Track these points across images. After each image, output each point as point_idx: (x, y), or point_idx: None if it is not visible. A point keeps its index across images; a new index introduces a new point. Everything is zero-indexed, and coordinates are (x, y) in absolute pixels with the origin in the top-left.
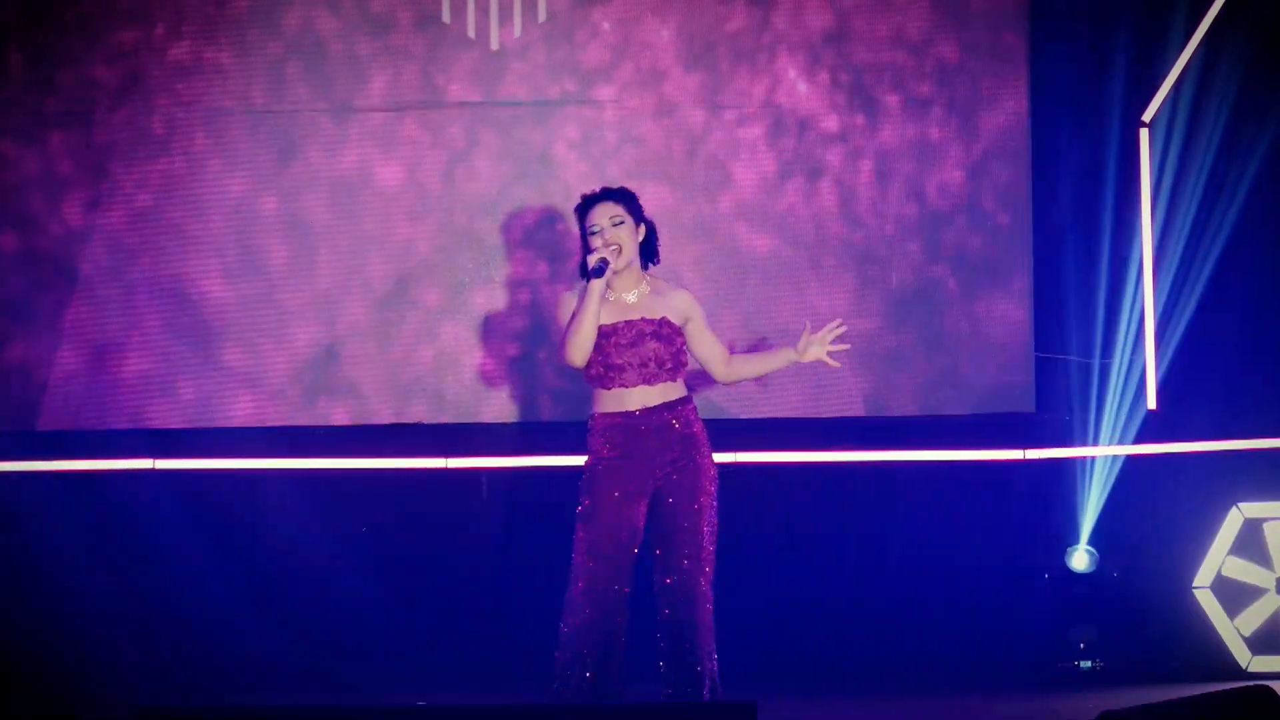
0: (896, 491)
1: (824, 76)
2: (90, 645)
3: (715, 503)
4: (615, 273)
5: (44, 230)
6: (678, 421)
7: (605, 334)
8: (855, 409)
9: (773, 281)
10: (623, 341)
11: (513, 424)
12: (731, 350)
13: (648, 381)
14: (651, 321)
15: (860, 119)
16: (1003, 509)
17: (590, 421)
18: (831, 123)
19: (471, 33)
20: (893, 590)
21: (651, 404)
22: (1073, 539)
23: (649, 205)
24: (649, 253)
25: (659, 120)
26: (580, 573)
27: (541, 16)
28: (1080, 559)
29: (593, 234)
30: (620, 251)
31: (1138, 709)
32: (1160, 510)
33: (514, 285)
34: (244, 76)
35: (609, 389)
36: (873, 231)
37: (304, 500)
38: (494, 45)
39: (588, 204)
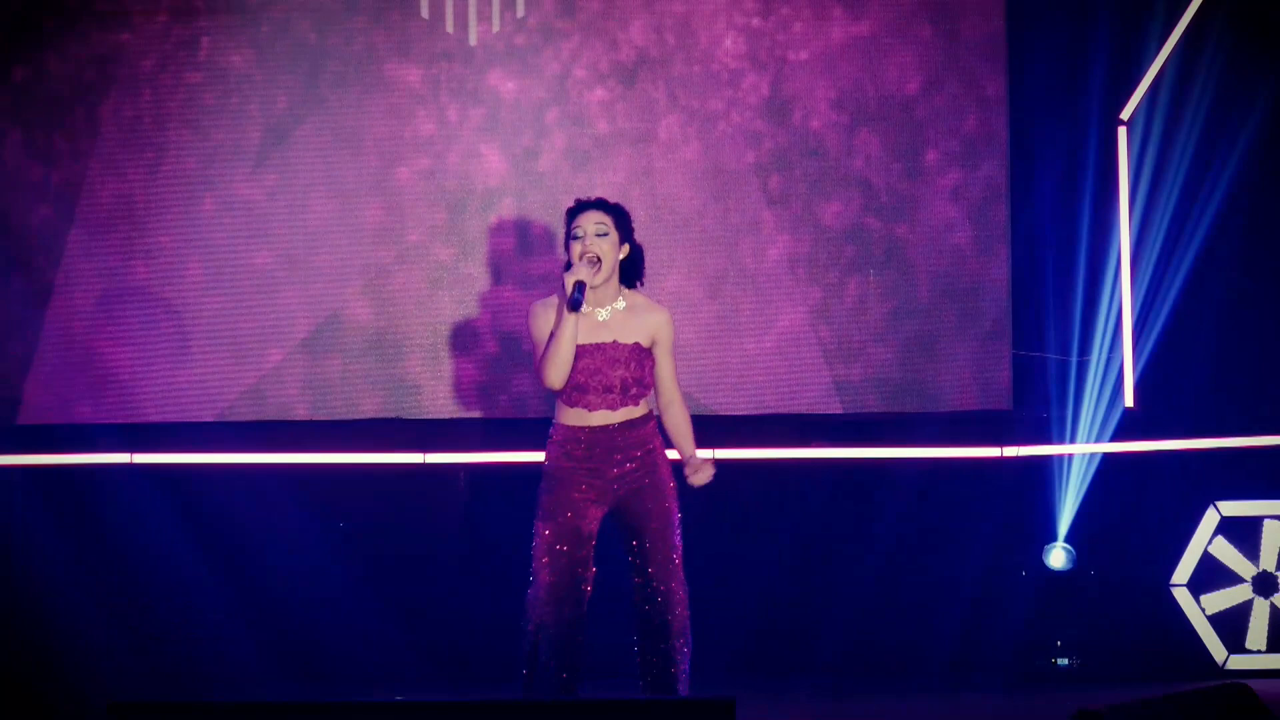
0: (874, 489)
1: (807, 70)
2: (66, 640)
3: (678, 513)
4: (593, 288)
5: (21, 224)
6: (637, 441)
7: (575, 354)
8: (832, 406)
9: (748, 280)
10: (591, 365)
11: (492, 420)
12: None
13: (610, 406)
14: (622, 347)
15: (838, 114)
16: (980, 507)
17: (551, 430)
18: (813, 120)
19: (450, 27)
20: (870, 588)
21: (613, 423)
22: (1050, 537)
23: (634, 196)
24: (632, 273)
25: (644, 115)
26: (541, 571)
27: (520, 12)
28: (1058, 557)
29: (575, 238)
30: (598, 261)
31: (1114, 707)
32: (1138, 508)
33: (493, 281)
34: (222, 73)
35: (572, 406)
36: (848, 228)
37: (282, 495)
38: (472, 40)
39: (578, 209)
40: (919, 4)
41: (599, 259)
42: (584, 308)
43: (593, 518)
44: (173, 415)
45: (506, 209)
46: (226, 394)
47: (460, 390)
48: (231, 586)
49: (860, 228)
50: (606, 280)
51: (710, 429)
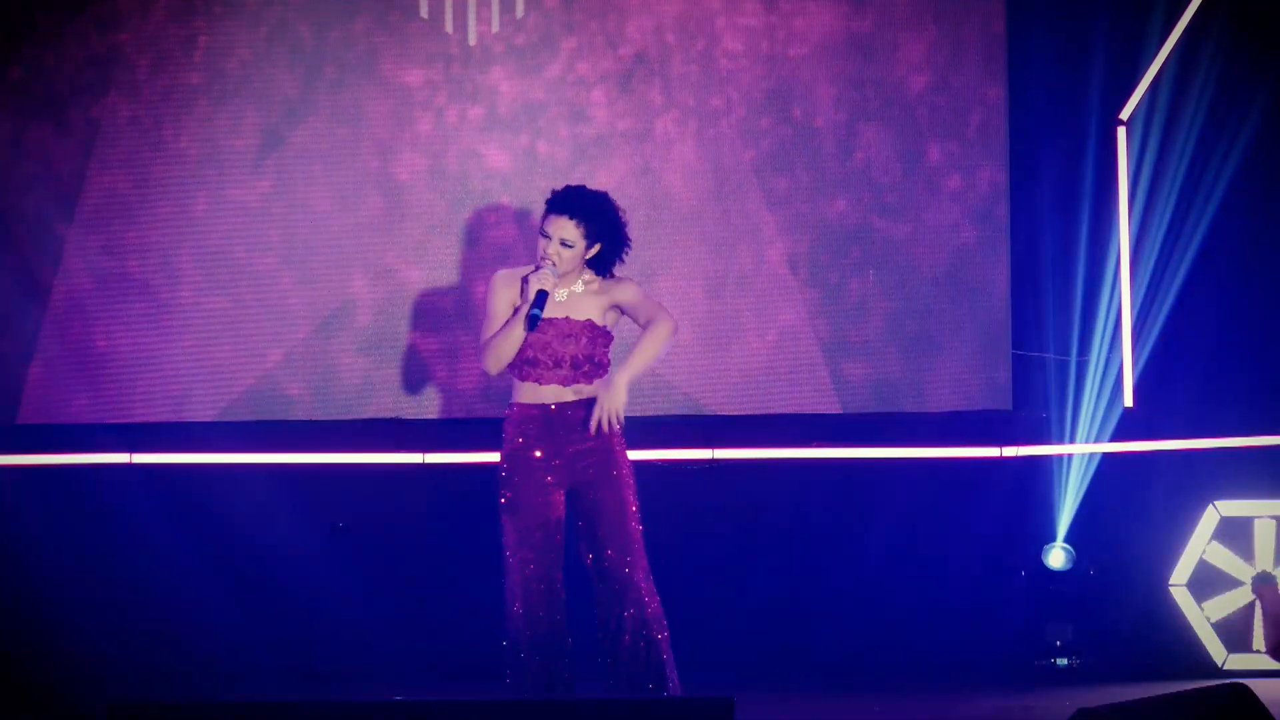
0: (873, 489)
1: (805, 68)
2: (65, 640)
3: (636, 496)
4: (554, 286)
5: (18, 223)
6: (590, 419)
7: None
8: (831, 406)
9: (748, 279)
10: (542, 339)
11: (492, 420)
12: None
13: (561, 382)
14: (574, 323)
15: (838, 113)
16: (979, 506)
17: (507, 410)
18: (815, 119)
19: (449, 27)
20: (869, 588)
21: (565, 400)
22: (1049, 537)
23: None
24: (602, 264)
25: (643, 114)
26: (514, 564)
27: (520, 12)
28: (1057, 557)
29: (544, 236)
30: (554, 265)
31: (1114, 706)
32: (1137, 508)
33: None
34: (219, 73)
35: (524, 381)
36: (849, 228)
37: (281, 495)
38: (471, 40)
39: (550, 207)
40: (920, 3)
41: (554, 263)
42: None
43: (557, 502)
44: (172, 415)
45: (506, 208)
46: (226, 394)
47: (461, 391)
48: (231, 586)
49: (860, 227)
50: (565, 274)
51: (710, 428)
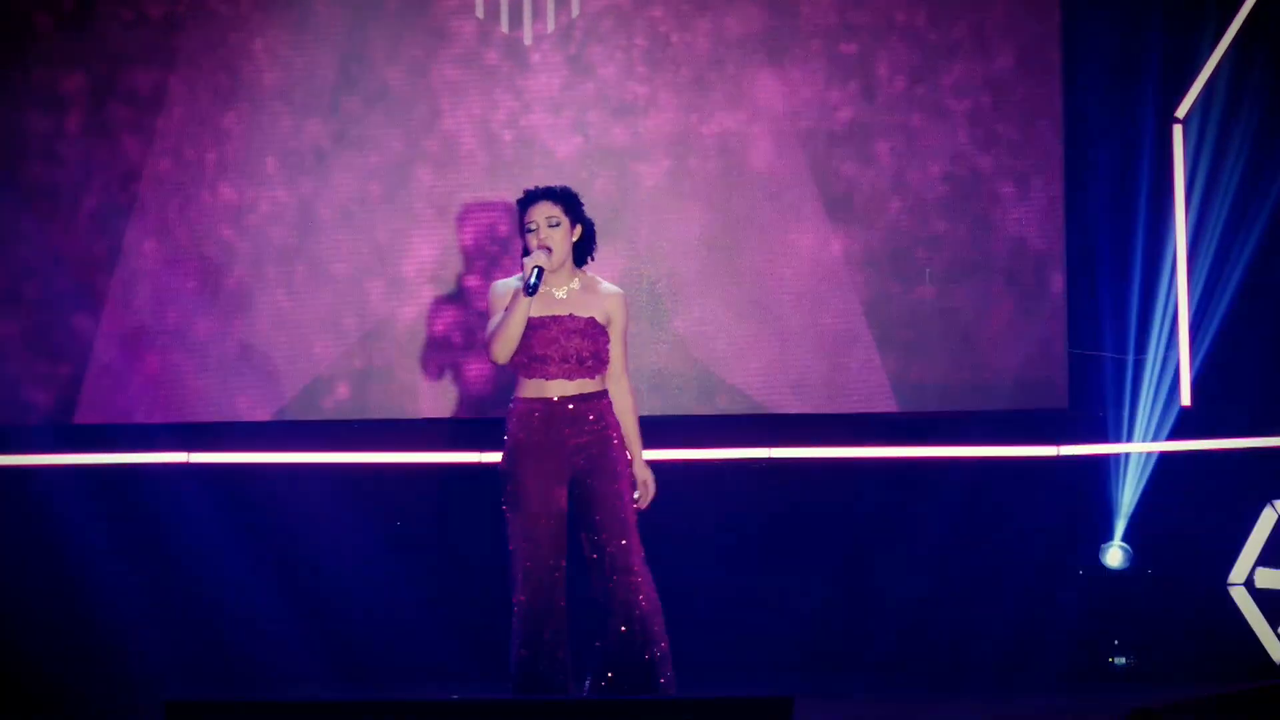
0: (929, 488)
1: (859, 72)
2: (121, 639)
3: (632, 492)
4: (550, 272)
5: (77, 224)
6: (593, 414)
7: (532, 326)
8: (888, 405)
9: (804, 277)
10: (548, 335)
11: None
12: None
13: (567, 376)
14: (579, 320)
15: (896, 111)
16: (1036, 505)
17: (510, 405)
18: (867, 119)
19: (505, 26)
20: (926, 587)
21: (568, 394)
22: (1107, 536)
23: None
24: (584, 251)
25: (690, 119)
26: (519, 557)
27: (575, 11)
28: (1114, 556)
29: (529, 231)
30: (551, 252)
31: (1171, 706)
32: (1195, 507)
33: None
34: (273, 71)
35: (530, 378)
36: (905, 227)
37: (337, 494)
38: (527, 40)
39: (528, 200)
40: (971, 2)
41: (550, 249)
42: (542, 289)
43: (559, 496)
44: (228, 415)
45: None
46: (282, 394)
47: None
48: (285, 585)
49: (916, 226)
50: (562, 263)
51: (765, 428)
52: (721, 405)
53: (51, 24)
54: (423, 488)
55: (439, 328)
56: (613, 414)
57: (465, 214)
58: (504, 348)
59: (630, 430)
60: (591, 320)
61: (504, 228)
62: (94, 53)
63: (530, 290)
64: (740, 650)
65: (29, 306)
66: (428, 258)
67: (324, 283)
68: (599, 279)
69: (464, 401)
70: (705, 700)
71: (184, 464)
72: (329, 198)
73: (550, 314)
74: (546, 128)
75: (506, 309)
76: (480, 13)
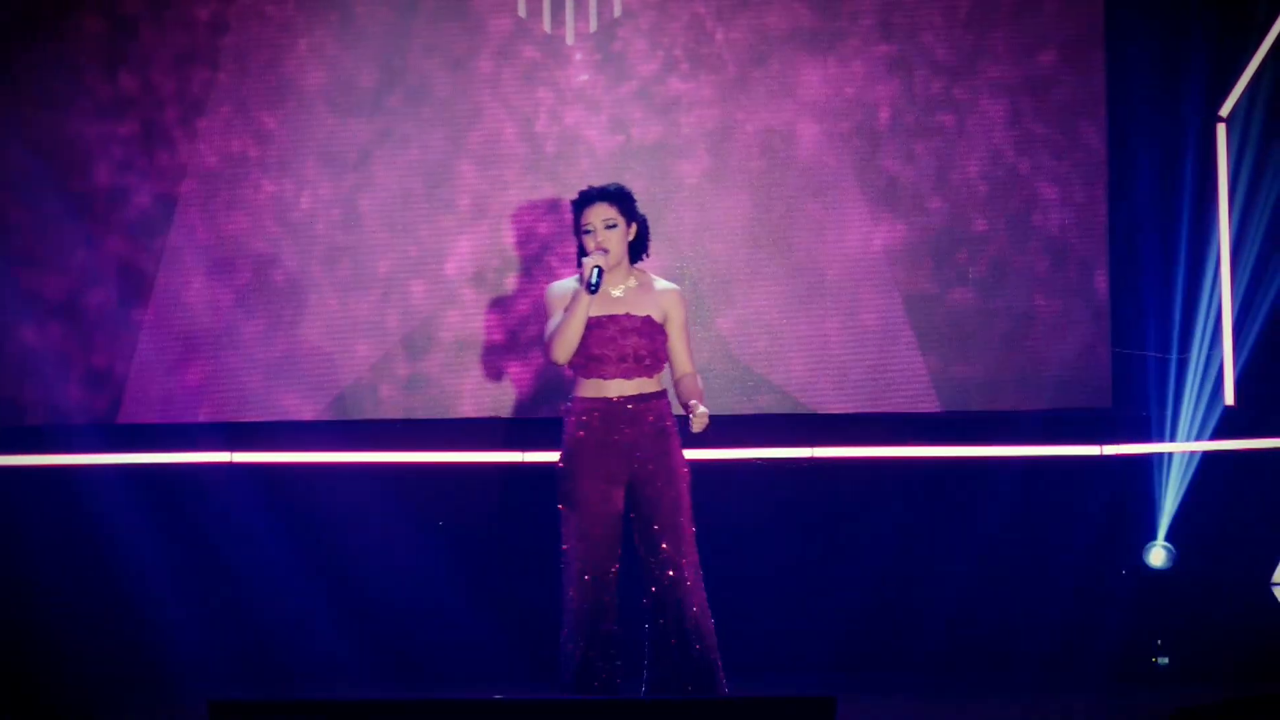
0: (972, 487)
1: (905, 69)
2: (165, 638)
3: (690, 496)
4: (608, 271)
5: (122, 222)
6: (651, 414)
7: (589, 326)
8: (930, 404)
9: (847, 275)
10: (605, 335)
11: None
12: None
13: (625, 375)
14: (635, 318)
15: (937, 110)
16: (1079, 505)
17: (568, 404)
18: (909, 118)
19: (547, 26)
20: (969, 586)
21: (627, 394)
22: (1150, 535)
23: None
24: (638, 249)
25: (733, 114)
26: (572, 556)
27: (617, 11)
28: (1158, 555)
29: (586, 233)
30: (608, 253)
31: (1214, 707)
32: (1238, 507)
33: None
34: (316, 72)
35: (588, 378)
36: (948, 228)
37: (380, 494)
38: (569, 39)
39: (583, 201)
40: (1013, 2)
41: (608, 250)
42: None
43: (616, 496)
44: (272, 414)
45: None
46: (325, 393)
47: (558, 390)
48: (328, 585)
49: (958, 224)
50: (618, 263)
51: (808, 427)
52: (763, 404)
53: (102, 27)
54: (465, 487)
55: (481, 327)
56: (673, 418)
57: (507, 213)
58: (564, 348)
59: (693, 399)
60: (648, 319)
61: (544, 227)
62: (142, 55)
63: (592, 290)
64: (782, 650)
65: (73, 306)
66: (469, 256)
67: (368, 282)
68: (654, 276)
69: (506, 401)
70: (747, 700)
71: (227, 463)
72: (372, 197)
73: (606, 313)
74: (588, 125)
75: (566, 309)
76: (522, 11)
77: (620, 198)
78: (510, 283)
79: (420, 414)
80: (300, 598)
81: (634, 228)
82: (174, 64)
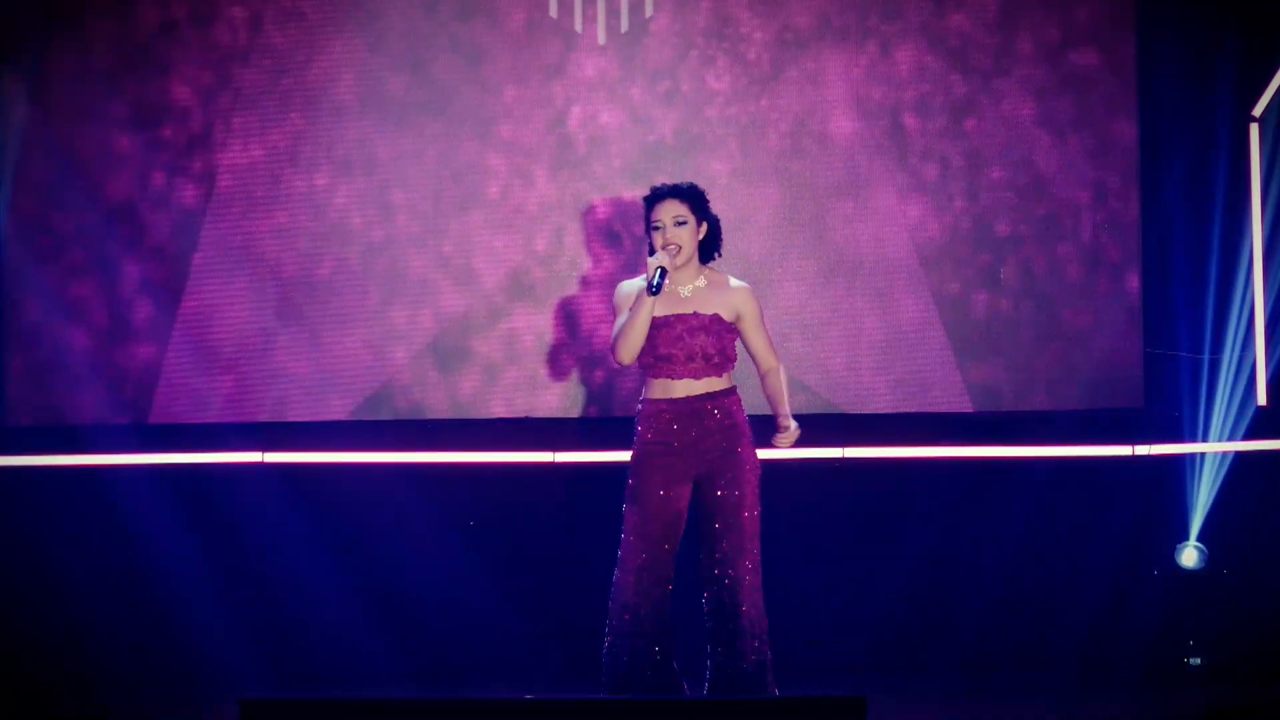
0: (1005, 487)
1: (936, 69)
2: (197, 637)
3: (757, 495)
4: (675, 270)
5: (152, 224)
6: (719, 411)
7: (657, 325)
8: (963, 405)
9: (878, 276)
10: (673, 334)
11: (620, 419)
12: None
13: (694, 375)
14: (703, 317)
15: (970, 115)
16: (1112, 505)
17: (639, 405)
18: (941, 119)
19: (578, 26)
20: (1001, 586)
21: (695, 393)
22: (1182, 536)
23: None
24: (710, 248)
25: (764, 114)
26: (628, 552)
27: (648, 11)
28: (1190, 556)
29: (655, 229)
30: (679, 251)
31: (1247, 708)
32: (1271, 507)
33: (621, 279)
34: (347, 73)
35: (656, 378)
36: (980, 227)
37: (411, 494)
38: (601, 40)
39: (654, 198)
40: (1046, 2)
41: (679, 247)
42: (667, 288)
43: (681, 495)
44: (303, 414)
45: (636, 207)
46: (356, 393)
47: (590, 390)
48: (360, 585)
49: (991, 226)
50: (687, 261)
51: (840, 427)
52: (795, 405)
53: (138, 31)
54: (497, 488)
55: (513, 328)
56: (743, 414)
57: (538, 213)
58: (629, 349)
59: (780, 405)
60: (716, 317)
61: (576, 226)
62: (177, 59)
63: (654, 290)
64: (813, 650)
65: (106, 307)
66: (499, 256)
67: (399, 282)
68: (726, 275)
69: (537, 402)
70: (778, 699)
71: (258, 463)
72: (403, 197)
73: (674, 312)
74: (619, 124)
75: (630, 309)
76: (554, 11)
77: (691, 195)
78: (543, 283)
79: (452, 414)
80: (331, 597)
81: (704, 226)
82: (210, 67)
